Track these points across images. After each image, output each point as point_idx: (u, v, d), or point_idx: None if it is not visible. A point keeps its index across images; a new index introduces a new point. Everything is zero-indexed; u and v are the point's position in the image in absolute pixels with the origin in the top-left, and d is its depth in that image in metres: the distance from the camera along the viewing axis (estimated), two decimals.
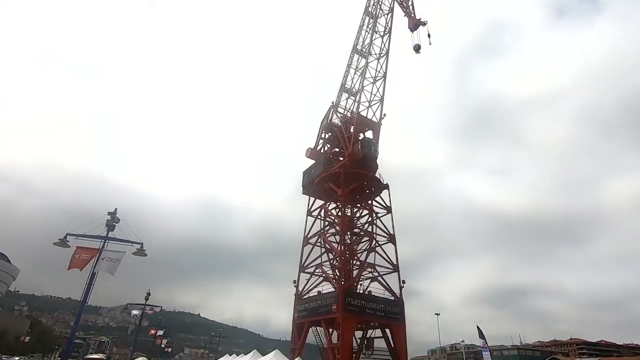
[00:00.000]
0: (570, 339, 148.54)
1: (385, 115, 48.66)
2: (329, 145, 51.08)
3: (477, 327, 9.77)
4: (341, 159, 47.28)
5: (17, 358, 67.00)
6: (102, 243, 14.32)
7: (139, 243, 15.17)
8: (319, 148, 51.67)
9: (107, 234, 14.71)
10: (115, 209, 15.46)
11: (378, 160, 46.57)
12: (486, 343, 9.75)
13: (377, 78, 49.35)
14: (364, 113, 48.73)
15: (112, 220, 15.10)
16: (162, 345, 56.13)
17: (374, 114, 49.01)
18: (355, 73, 51.58)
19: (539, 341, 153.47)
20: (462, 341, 47.59)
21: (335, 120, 51.04)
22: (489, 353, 10.26)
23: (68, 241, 13.96)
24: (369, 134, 48.67)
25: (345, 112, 51.43)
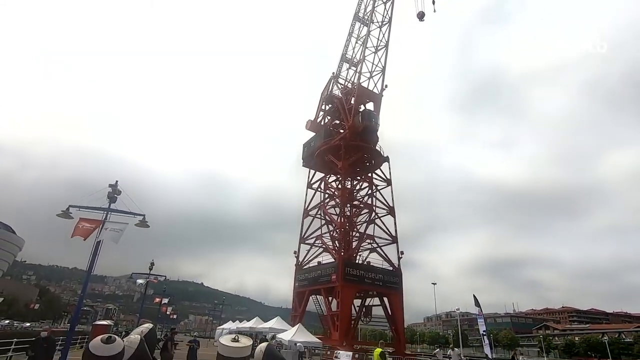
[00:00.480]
0: (562, 307, 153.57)
1: (386, 86, 47.83)
2: (329, 117, 50.53)
3: (474, 295, 10.18)
4: (341, 131, 46.89)
5: (28, 324, 69.48)
6: (105, 214, 14.45)
7: (141, 215, 15.28)
8: (319, 120, 51.14)
9: (109, 205, 14.80)
10: (116, 181, 15.49)
11: (378, 133, 46.24)
12: (481, 311, 10.16)
13: (379, 47, 48.03)
14: (365, 84, 47.85)
15: (114, 192, 15.14)
16: (168, 313, 58.08)
17: (375, 85, 48.17)
18: (356, 42, 50.16)
19: (532, 309, 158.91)
20: (458, 309, 48.97)
21: (336, 91, 50.18)
22: (483, 320, 10.72)
23: (71, 213, 14.08)
24: (370, 106, 48.02)
25: (346, 83, 50.47)
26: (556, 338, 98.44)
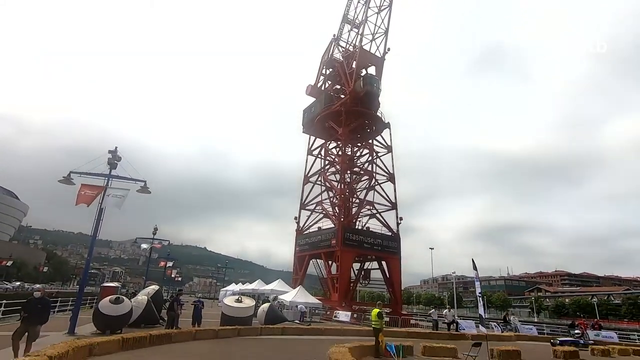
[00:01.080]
0: (555, 271, 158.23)
1: (389, 49, 46.31)
2: (329, 82, 49.40)
3: (472, 260, 10.49)
4: (342, 96, 46.01)
5: (39, 285, 72.00)
6: (106, 180, 14.52)
7: (142, 181, 15.35)
8: (319, 85, 50.04)
9: (110, 172, 14.85)
10: (116, 147, 15.43)
11: (380, 99, 45.40)
12: (477, 274, 10.52)
13: (382, 7, 46.01)
14: (367, 47, 46.34)
15: (114, 158, 15.13)
16: (173, 276, 59.94)
17: (377, 49, 46.65)
18: (358, 2, 47.99)
19: (525, 273, 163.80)
20: (453, 272, 50.69)
21: (337, 54, 48.70)
22: (479, 283, 11.15)
23: (72, 179, 14.15)
24: (372, 70, 46.76)
25: (347, 46, 48.87)
26: (547, 300, 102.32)
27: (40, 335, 11.99)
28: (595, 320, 38.01)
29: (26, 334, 8.39)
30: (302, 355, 11.67)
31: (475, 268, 12.04)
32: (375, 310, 12.59)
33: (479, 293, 11.61)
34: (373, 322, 12.64)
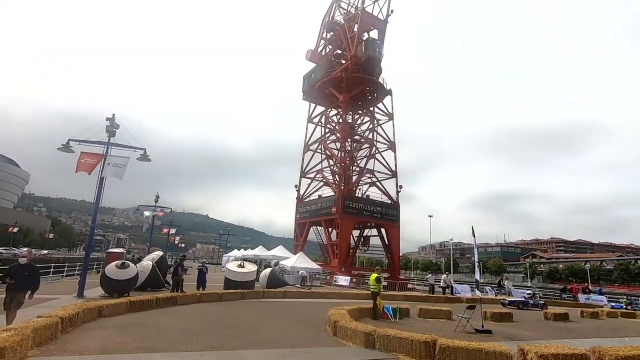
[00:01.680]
0: (551, 238, 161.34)
1: (392, 11, 44.43)
2: (330, 47, 47.86)
3: (472, 227, 10.62)
4: (343, 62, 44.74)
5: (46, 251, 73.73)
6: (105, 149, 14.46)
7: (141, 149, 15.28)
8: (319, 50, 48.51)
9: (109, 139, 14.75)
10: (113, 114, 15.23)
11: (382, 64, 44.17)
12: (475, 241, 10.73)
13: None
14: (369, 9, 44.41)
15: (112, 125, 14.97)
16: (176, 242, 61.22)
17: (380, 11, 44.72)
18: None
19: (522, 240, 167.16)
20: (451, 239, 51.65)
21: (338, 17, 46.82)
22: (477, 250, 11.45)
23: (71, 146, 14.08)
24: (374, 34, 45.13)
25: (349, 7, 46.88)
26: (541, 266, 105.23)
27: (49, 299, 12.51)
28: (585, 285, 39.25)
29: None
30: (303, 316, 12.16)
31: (473, 235, 12.21)
32: (374, 275, 12.98)
33: (477, 260, 11.84)
34: (371, 286, 13.07)
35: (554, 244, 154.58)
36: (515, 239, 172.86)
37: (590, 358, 6.72)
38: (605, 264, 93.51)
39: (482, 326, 11.03)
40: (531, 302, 19.05)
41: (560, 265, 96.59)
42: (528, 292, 22.76)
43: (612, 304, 20.85)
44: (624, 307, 20.52)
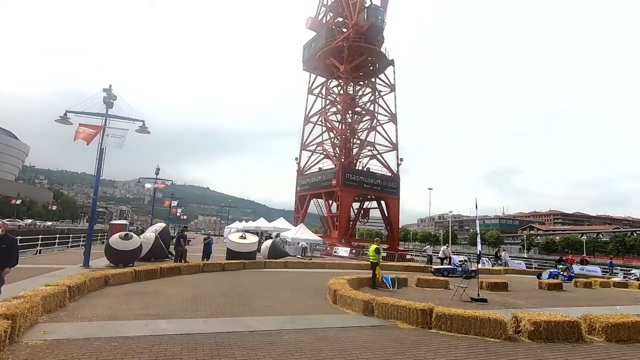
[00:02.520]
0: (549, 210, 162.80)
1: None
2: (331, 14, 46.26)
3: (475, 199, 10.74)
4: (344, 30, 43.39)
5: (50, 223, 74.78)
6: (104, 120, 14.32)
7: (140, 120, 15.14)
8: (320, 17, 46.93)
9: (107, 111, 14.57)
10: (110, 85, 14.97)
11: (385, 33, 42.86)
12: (477, 213, 10.85)
13: None
14: None
15: (109, 97, 14.74)
16: (178, 214, 62.00)
17: None
18: None
19: (520, 212, 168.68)
20: (450, 212, 52.26)
21: None
22: (478, 222, 11.62)
23: (69, 118, 13.94)
24: (376, 1, 43.52)
25: None
26: (538, 237, 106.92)
27: (56, 268, 12.82)
28: (582, 256, 39.99)
29: None
30: (304, 285, 12.50)
31: (476, 207, 12.30)
32: (373, 246, 13.21)
33: (479, 233, 11.96)
34: (370, 257, 13.35)
35: (552, 216, 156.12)
36: (514, 211, 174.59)
37: (582, 325, 6.95)
38: (601, 236, 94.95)
39: (478, 295, 11.34)
40: (459, 269, 18.43)
41: (557, 237, 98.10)
42: (460, 259, 22.31)
43: (552, 270, 20.34)
44: (560, 273, 20.09)
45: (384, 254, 25.79)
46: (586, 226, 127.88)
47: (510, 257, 32.75)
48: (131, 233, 15.71)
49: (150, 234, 17.95)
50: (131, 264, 13.62)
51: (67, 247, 23.38)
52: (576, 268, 27.39)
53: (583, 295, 14.68)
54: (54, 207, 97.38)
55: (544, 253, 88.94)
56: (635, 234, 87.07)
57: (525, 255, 75.02)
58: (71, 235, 25.28)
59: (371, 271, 13.09)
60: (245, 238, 19.44)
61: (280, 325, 6.79)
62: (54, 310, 6.85)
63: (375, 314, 7.92)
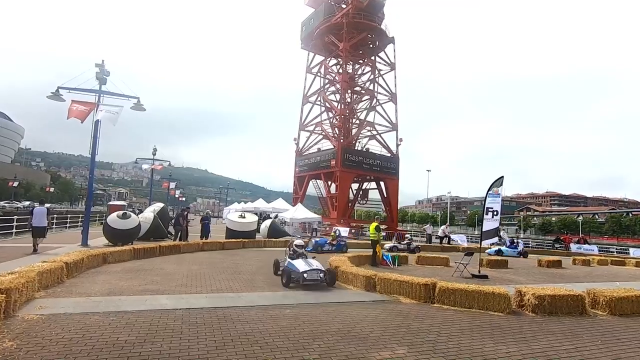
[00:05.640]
0: (546, 192, 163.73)
1: None
2: None
3: (502, 176, 10.18)
4: (344, 6, 42.14)
5: (48, 205, 74.55)
6: (97, 97, 13.92)
7: (135, 97, 14.72)
8: None
9: (100, 87, 14.15)
10: (102, 60, 14.48)
11: (385, 9, 41.66)
12: (498, 191, 10.36)
13: None
14: None
15: (102, 72, 14.28)
16: (176, 196, 61.85)
17: None
18: None
19: (517, 194, 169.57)
20: (449, 192, 52.32)
21: None
22: (495, 198, 10.77)
23: (62, 95, 13.52)
24: None
25: None
26: (535, 218, 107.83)
27: (54, 247, 12.72)
28: (582, 235, 40.43)
29: None
30: None
31: (497, 185, 11.96)
32: (374, 224, 13.13)
33: (489, 208, 11.55)
34: (371, 235, 13.28)
35: (548, 197, 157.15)
36: (512, 193, 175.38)
37: (586, 299, 6.90)
38: (597, 217, 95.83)
39: (479, 272, 11.33)
40: (403, 246, 17.93)
41: (554, 218, 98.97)
42: (408, 237, 21.72)
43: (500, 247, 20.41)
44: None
45: (384, 234, 25.85)
46: (582, 207, 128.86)
47: (508, 237, 33.03)
48: (129, 212, 15.56)
49: (149, 213, 17.81)
50: (130, 243, 13.53)
51: (66, 227, 23.26)
52: (573, 247, 27.83)
53: (582, 272, 14.76)
54: (52, 189, 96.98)
55: (540, 234, 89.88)
56: (630, 215, 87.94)
57: (522, 236, 75.71)
58: (69, 216, 25.08)
59: (371, 249, 13.04)
60: (244, 217, 19.34)
61: (282, 300, 6.71)
62: (51, 286, 6.73)
63: (378, 290, 7.86)
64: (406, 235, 23.04)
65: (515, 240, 22.41)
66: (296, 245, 9.12)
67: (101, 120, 13.24)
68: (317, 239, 18.30)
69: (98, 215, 32.12)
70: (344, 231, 29.87)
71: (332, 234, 18.63)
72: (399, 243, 19.15)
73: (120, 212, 14.55)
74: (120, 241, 13.62)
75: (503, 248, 20.37)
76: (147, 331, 4.55)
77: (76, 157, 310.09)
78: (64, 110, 13.57)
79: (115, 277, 8.12)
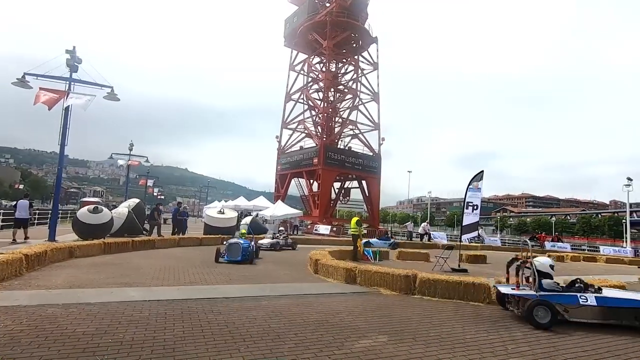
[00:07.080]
0: (522, 193, 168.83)
1: None
2: None
3: (482, 171, 10.50)
4: (328, 4, 42.06)
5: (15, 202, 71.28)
6: (67, 85, 13.20)
7: (109, 86, 14.04)
8: None
9: (70, 74, 13.43)
10: (74, 47, 13.77)
11: (369, 9, 41.84)
12: (477, 185, 10.53)
13: None
14: None
15: (73, 60, 13.56)
16: (155, 194, 60.15)
17: None
18: None
19: (494, 195, 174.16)
20: (429, 192, 52.90)
21: None
22: (466, 194, 11.02)
23: (28, 81, 12.76)
24: None
25: None
26: (511, 219, 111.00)
27: (18, 242, 11.98)
28: (556, 234, 41.86)
29: None
30: (285, 259, 12.19)
31: (477, 179, 12.12)
32: (355, 219, 13.01)
33: (475, 204, 11.65)
34: (351, 229, 13.15)
35: (524, 199, 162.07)
36: (488, 194, 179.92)
37: None
38: (569, 218, 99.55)
39: (459, 266, 11.36)
40: (281, 242, 17.78)
41: (528, 219, 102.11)
42: (283, 232, 21.52)
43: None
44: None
45: (365, 232, 25.83)
46: (555, 209, 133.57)
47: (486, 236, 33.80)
48: (101, 206, 14.85)
49: (123, 209, 17.05)
50: (102, 239, 12.89)
51: (34, 224, 22.11)
52: (548, 245, 28.78)
53: (558, 267, 15.08)
54: (22, 187, 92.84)
55: (515, 233, 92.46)
56: (599, 216, 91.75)
57: (498, 236, 77.72)
58: (38, 212, 23.86)
59: (352, 245, 12.90)
60: (223, 213, 18.86)
61: (259, 292, 6.44)
62: (8, 279, 6.23)
63: (358, 282, 7.69)
64: (284, 234, 22.65)
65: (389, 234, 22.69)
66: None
67: (71, 107, 12.55)
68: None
69: (70, 212, 30.76)
70: (325, 229, 29.78)
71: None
72: (384, 243, 19.27)
73: (92, 207, 13.86)
74: (91, 237, 12.92)
75: (372, 240, 20.07)
76: (109, 322, 4.21)
77: (49, 153, 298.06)
78: (34, 104, 12.80)
79: (82, 270, 7.63)
